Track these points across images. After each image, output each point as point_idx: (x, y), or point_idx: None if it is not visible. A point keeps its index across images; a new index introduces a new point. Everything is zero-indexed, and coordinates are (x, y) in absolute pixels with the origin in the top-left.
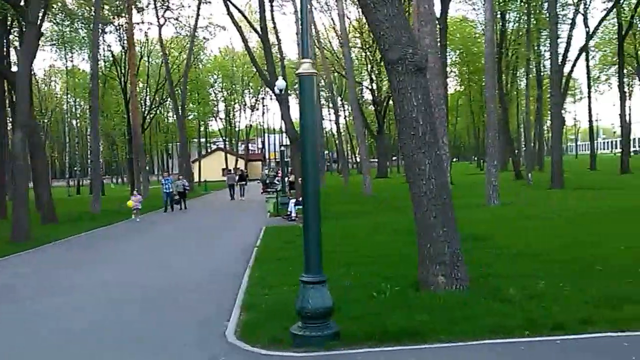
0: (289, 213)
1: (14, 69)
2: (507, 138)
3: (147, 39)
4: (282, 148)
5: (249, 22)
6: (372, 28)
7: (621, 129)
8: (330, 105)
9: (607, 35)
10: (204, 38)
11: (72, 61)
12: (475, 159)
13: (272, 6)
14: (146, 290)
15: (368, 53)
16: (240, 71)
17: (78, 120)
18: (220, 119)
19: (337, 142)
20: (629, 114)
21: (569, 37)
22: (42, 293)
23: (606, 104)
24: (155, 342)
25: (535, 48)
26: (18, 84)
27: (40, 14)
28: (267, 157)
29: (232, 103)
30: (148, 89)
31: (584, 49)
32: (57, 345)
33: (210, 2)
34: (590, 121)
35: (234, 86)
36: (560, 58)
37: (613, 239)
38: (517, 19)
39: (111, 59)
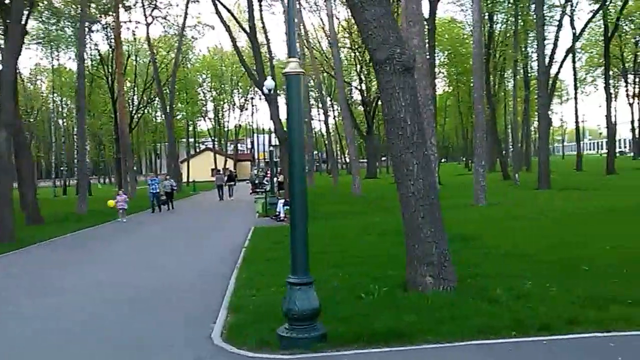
0: (277, 213)
1: None
2: (495, 139)
3: (134, 38)
4: (271, 148)
5: (237, 21)
6: (360, 28)
7: (607, 130)
8: (320, 105)
9: (594, 37)
10: (193, 37)
11: (58, 60)
12: (464, 159)
13: (260, 6)
14: (132, 291)
15: (357, 53)
16: (229, 71)
17: (65, 120)
18: (209, 118)
19: (326, 142)
20: (615, 115)
21: (556, 39)
22: (23, 294)
23: (592, 105)
24: (138, 345)
25: (523, 49)
26: (2, 82)
27: (26, 12)
28: (256, 157)
29: (221, 103)
30: (136, 88)
31: (571, 50)
32: (35, 345)
33: (198, 1)
34: (577, 122)
35: (222, 86)
36: (547, 59)
37: (599, 239)
38: (504, 20)
39: (98, 57)
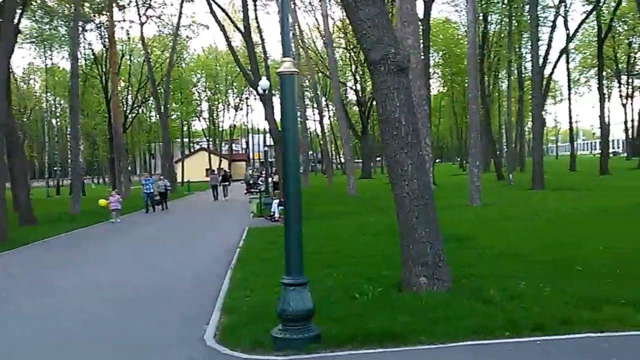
0: (272, 214)
1: None
2: (489, 139)
3: (128, 37)
4: (266, 148)
5: (232, 21)
6: (354, 27)
7: (601, 131)
8: (315, 105)
9: (587, 38)
10: (187, 37)
11: (51, 59)
12: (458, 159)
13: (255, 5)
14: (125, 292)
15: (352, 54)
16: (224, 70)
17: (58, 120)
18: (204, 118)
19: (321, 142)
20: (608, 116)
21: (550, 40)
22: (16, 295)
23: (586, 105)
24: (129, 346)
25: (517, 50)
26: None
27: (19, 11)
28: (251, 157)
29: (216, 103)
30: (130, 87)
31: (564, 51)
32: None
33: (192, 1)
34: (570, 123)
35: (217, 86)
36: (541, 60)
37: (592, 239)
38: (499, 21)
39: (92, 57)
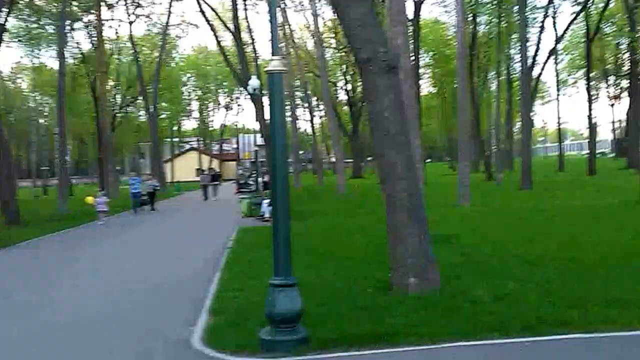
0: (262, 214)
1: None
2: (479, 139)
3: (117, 36)
4: (256, 148)
5: (221, 20)
6: (344, 27)
7: (589, 131)
8: (306, 105)
9: (575, 39)
10: (177, 36)
11: (39, 58)
12: (449, 159)
13: (245, 5)
14: (108, 294)
15: (343, 53)
16: (214, 70)
17: (46, 119)
18: (194, 118)
19: (312, 142)
20: (596, 117)
21: (538, 41)
22: None
23: (574, 106)
24: (111, 349)
25: (506, 51)
26: None
27: (5, 10)
28: (241, 157)
29: (206, 102)
30: (120, 87)
31: (553, 52)
32: None
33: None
34: (559, 123)
35: (207, 85)
36: (529, 61)
37: (581, 239)
38: (488, 22)
39: (80, 56)
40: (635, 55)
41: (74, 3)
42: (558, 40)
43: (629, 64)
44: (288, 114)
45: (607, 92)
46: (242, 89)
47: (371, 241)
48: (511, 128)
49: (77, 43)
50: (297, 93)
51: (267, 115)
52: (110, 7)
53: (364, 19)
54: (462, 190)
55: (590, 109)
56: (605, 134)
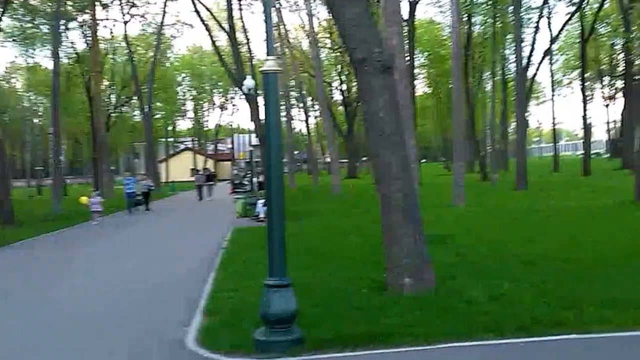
0: (257, 214)
1: None
2: (474, 140)
3: (112, 36)
4: (251, 148)
5: (216, 20)
6: (338, 27)
7: (584, 132)
8: (301, 105)
9: (570, 39)
10: (172, 36)
11: (33, 58)
12: (444, 160)
13: (240, 5)
14: (102, 294)
15: (338, 54)
16: (209, 70)
17: (40, 119)
18: (189, 118)
19: (307, 142)
20: (590, 117)
21: (533, 41)
22: None
23: (569, 107)
24: (103, 350)
25: (501, 51)
26: None
27: (0, 10)
28: (235, 157)
29: (201, 102)
30: (115, 86)
31: (548, 52)
32: None
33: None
34: (554, 124)
35: (202, 85)
36: (524, 61)
37: (576, 239)
38: (483, 22)
39: (75, 55)
40: (630, 56)
41: (69, 3)
42: (553, 40)
43: (624, 64)
44: (283, 114)
45: (602, 92)
46: (237, 89)
47: (366, 241)
48: (506, 128)
49: (72, 43)
50: (292, 93)
51: (262, 116)
52: (105, 6)
53: (358, 19)
54: (457, 191)
55: (585, 110)
56: (599, 135)
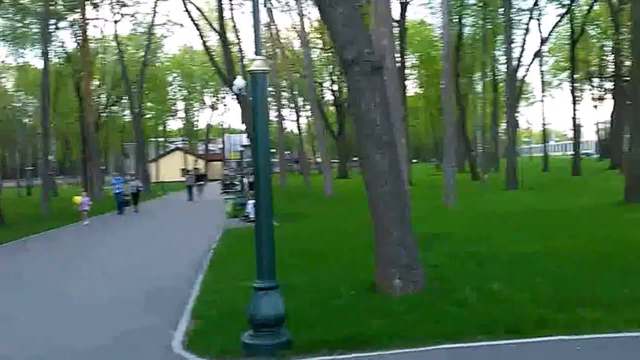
0: (247, 214)
1: None
2: (465, 140)
3: (102, 36)
4: (241, 148)
5: (207, 20)
6: (328, 27)
7: (573, 132)
8: (292, 105)
9: (560, 41)
10: (162, 35)
11: (23, 57)
12: (434, 160)
13: (231, 5)
14: (88, 297)
15: (329, 54)
16: (200, 69)
17: (30, 119)
18: (180, 118)
19: (298, 142)
20: (579, 118)
21: (523, 42)
22: None
23: (558, 107)
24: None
25: (491, 52)
26: None
27: None
28: (226, 157)
29: (192, 102)
30: (105, 86)
31: (538, 54)
32: None
33: None
34: (544, 124)
35: (193, 85)
36: (514, 63)
37: (567, 240)
38: (474, 23)
39: (65, 55)
40: (619, 57)
41: (59, 2)
42: (543, 42)
43: (613, 66)
44: (275, 114)
45: (591, 93)
46: (227, 88)
47: (357, 242)
48: (496, 129)
49: (62, 42)
50: (283, 93)
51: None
52: (95, 6)
53: (348, 20)
54: (448, 191)
55: (574, 110)
56: (589, 135)
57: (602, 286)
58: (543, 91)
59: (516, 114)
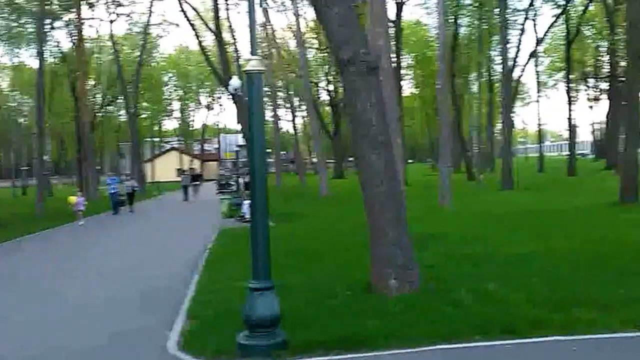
0: (242, 214)
1: None
2: (460, 140)
3: (98, 35)
4: (237, 148)
5: (203, 19)
6: (324, 27)
7: (569, 133)
8: (288, 105)
9: (556, 41)
10: (158, 35)
11: (18, 57)
12: (430, 160)
13: (227, 5)
14: (83, 297)
15: (325, 54)
16: (196, 69)
17: (26, 119)
18: (175, 118)
19: (294, 142)
20: (575, 118)
21: (519, 43)
22: None
23: (554, 108)
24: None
25: (487, 53)
26: None
27: None
28: (222, 157)
29: (187, 102)
30: (101, 86)
31: (533, 54)
32: None
33: None
34: (539, 125)
35: (189, 85)
36: (510, 63)
37: (563, 240)
38: (469, 24)
39: (60, 55)
40: (615, 58)
41: (55, 1)
42: (538, 42)
43: (609, 66)
44: (270, 114)
45: (587, 94)
46: (223, 88)
47: (352, 242)
48: (492, 129)
49: (57, 42)
50: (279, 93)
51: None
52: (90, 5)
53: (344, 20)
54: (443, 191)
55: (570, 111)
56: (584, 136)
57: (597, 286)
58: (538, 91)
59: (512, 115)
